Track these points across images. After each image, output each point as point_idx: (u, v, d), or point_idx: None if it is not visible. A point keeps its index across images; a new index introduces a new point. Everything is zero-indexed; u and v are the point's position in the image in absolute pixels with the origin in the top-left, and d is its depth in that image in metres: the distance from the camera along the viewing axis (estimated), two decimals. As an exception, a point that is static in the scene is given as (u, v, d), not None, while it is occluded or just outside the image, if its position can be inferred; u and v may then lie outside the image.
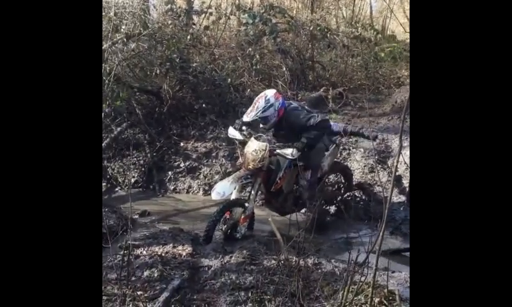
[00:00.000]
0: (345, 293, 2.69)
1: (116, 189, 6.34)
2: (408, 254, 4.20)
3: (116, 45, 6.99)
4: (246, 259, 3.67)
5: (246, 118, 4.52)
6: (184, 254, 3.82)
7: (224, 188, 4.28)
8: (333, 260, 3.78)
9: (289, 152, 4.33)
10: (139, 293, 3.11)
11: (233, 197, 4.42)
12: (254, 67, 8.23)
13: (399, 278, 3.41)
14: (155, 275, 3.41)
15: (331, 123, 5.00)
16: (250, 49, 8.32)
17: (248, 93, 7.78)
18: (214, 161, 6.59)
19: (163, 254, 3.78)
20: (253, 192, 4.47)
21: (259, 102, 4.45)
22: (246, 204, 4.41)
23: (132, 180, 6.43)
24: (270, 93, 4.51)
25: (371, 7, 16.17)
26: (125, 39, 7.14)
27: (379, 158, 6.20)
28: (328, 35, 9.52)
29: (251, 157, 4.37)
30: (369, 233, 4.68)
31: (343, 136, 5.27)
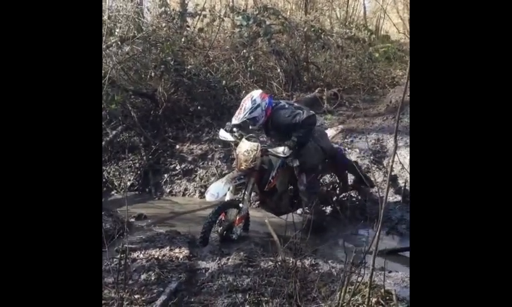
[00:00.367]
0: (342, 293, 2.70)
1: (112, 193, 6.34)
2: (404, 253, 4.22)
3: (111, 48, 7.00)
4: (243, 261, 3.68)
5: (235, 120, 4.54)
6: (181, 256, 3.82)
7: (218, 190, 4.28)
8: (330, 261, 3.79)
9: (281, 151, 4.35)
10: (136, 296, 3.11)
11: (227, 198, 4.42)
12: (249, 69, 8.23)
13: (396, 278, 3.42)
14: (152, 278, 3.41)
15: (342, 151, 5.06)
16: (245, 51, 8.32)
17: (243, 94, 7.76)
18: (209, 163, 6.59)
19: (160, 257, 3.78)
20: (246, 192, 4.48)
21: (246, 104, 4.46)
22: (241, 205, 4.42)
23: (128, 183, 6.42)
24: (256, 93, 4.53)
25: (365, 7, 16.24)
26: (119, 43, 7.14)
27: (374, 158, 6.21)
28: (322, 36, 9.55)
29: (243, 157, 4.39)
30: (366, 233, 4.72)
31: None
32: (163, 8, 8.25)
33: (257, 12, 8.58)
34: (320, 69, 9.67)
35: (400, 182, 5.68)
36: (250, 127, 4.60)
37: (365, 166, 6.06)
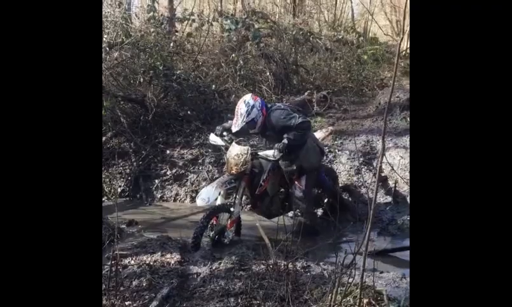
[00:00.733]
0: (333, 295, 2.71)
1: (103, 199, 6.29)
2: (395, 254, 4.25)
3: (99, 55, 6.97)
4: (234, 265, 3.67)
5: (235, 128, 4.48)
6: (173, 262, 3.80)
7: (209, 194, 4.28)
8: (321, 263, 3.80)
9: (271, 154, 4.35)
10: (127, 303, 3.10)
11: (218, 202, 4.42)
12: (238, 73, 8.24)
13: (387, 278, 3.44)
14: (144, 284, 3.39)
15: (325, 176, 5.04)
16: (234, 55, 8.34)
17: (233, 98, 7.79)
18: (200, 168, 6.58)
19: (151, 263, 3.76)
20: (237, 196, 4.48)
21: (241, 109, 4.44)
22: (232, 209, 4.42)
23: (119, 190, 6.40)
24: (247, 97, 4.52)
25: (352, 10, 16.36)
26: (107, 49, 7.12)
27: (364, 159, 6.24)
28: (311, 39, 9.60)
29: (233, 161, 4.39)
30: (356, 235, 4.73)
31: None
32: (151, 13, 8.23)
33: (246, 16, 8.62)
34: (309, 72, 9.70)
35: (391, 183, 5.71)
36: (250, 131, 4.59)
37: (355, 168, 6.09)
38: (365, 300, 2.85)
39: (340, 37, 10.27)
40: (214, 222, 4.41)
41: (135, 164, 6.63)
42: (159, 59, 7.35)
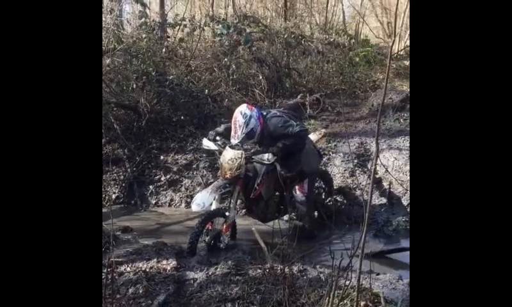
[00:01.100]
0: (330, 298, 2.70)
1: (97, 206, 6.26)
2: (391, 256, 4.26)
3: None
4: (231, 269, 3.67)
5: (234, 140, 4.42)
6: (169, 268, 3.79)
7: (204, 199, 4.27)
8: (318, 266, 3.80)
9: (265, 157, 4.35)
10: (124, 310, 3.08)
11: (213, 207, 4.41)
12: (231, 77, 8.24)
13: (384, 280, 3.44)
14: (140, 291, 3.37)
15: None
16: (226, 59, 8.34)
17: (226, 103, 7.80)
18: (195, 173, 6.57)
19: (147, 270, 3.74)
20: (232, 200, 4.47)
21: (238, 120, 4.38)
22: (227, 214, 4.41)
23: (113, 196, 6.37)
24: (242, 107, 4.48)
25: (344, 13, 16.44)
26: (99, 55, 7.10)
27: (358, 161, 6.26)
28: (303, 42, 9.65)
29: (227, 166, 4.38)
30: (352, 237, 4.74)
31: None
32: (143, 19, 8.24)
33: (237, 20, 8.64)
34: (301, 75, 9.73)
35: (385, 184, 5.73)
36: (250, 141, 4.52)
37: (350, 170, 6.10)
38: (362, 303, 2.85)
39: (331, 40, 10.32)
40: (210, 227, 4.40)
41: (129, 170, 6.61)
42: (151, 65, 7.34)
